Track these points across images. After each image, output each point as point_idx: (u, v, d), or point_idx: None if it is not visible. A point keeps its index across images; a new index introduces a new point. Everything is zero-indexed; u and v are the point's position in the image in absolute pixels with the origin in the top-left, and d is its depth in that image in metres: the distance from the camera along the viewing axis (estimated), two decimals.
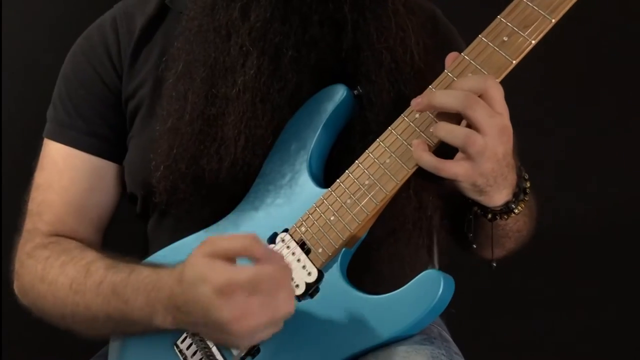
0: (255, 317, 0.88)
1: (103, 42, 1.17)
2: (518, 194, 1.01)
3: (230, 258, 0.90)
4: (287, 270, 0.92)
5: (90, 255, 1.09)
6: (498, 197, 0.99)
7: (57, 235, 1.16)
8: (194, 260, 0.92)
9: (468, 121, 0.92)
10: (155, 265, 1.03)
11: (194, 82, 1.06)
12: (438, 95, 0.94)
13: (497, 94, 0.92)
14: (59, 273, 1.09)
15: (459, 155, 0.94)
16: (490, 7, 0.97)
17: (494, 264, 1.08)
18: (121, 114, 1.16)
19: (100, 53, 1.17)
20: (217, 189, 1.05)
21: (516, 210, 1.02)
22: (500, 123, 0.92)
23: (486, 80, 0.92)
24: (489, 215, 1.03)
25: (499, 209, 1.01)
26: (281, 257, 0.93)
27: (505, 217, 1.02)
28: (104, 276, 1.04)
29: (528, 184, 1.03)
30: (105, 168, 1.18)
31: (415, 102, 0.96)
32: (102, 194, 1.19)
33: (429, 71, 1.03)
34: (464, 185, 0.96)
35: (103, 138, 1.17)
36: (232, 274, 0.88)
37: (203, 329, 0.94)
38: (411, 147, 0.96)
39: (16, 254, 1.17)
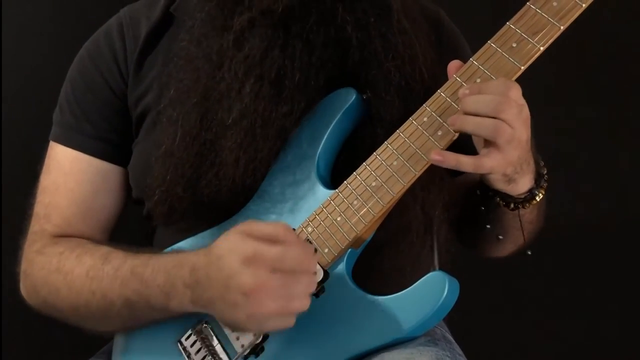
0: (272, 294, 0.90)
1: (110, 47, 1.18)
2: (538, 179, 1.03)
3: (263, 240, 0.92)
4: (314, 256, 0.94)
5: (106, 247, 1.10)
6: (523, 183, 1.00)
7: (66, 235, 1.17)
8: (227, 235, 0.95)
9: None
10: (178, 250, 1.05)
11: (184, 107, 1.06)
12: (470, 102, 0.94)
13: (519, 93, 0.93)
14: (76, 264, 1.09)
15: (485, 149, 0.94)
16: (498, 12, 0.99)
17: (529, 252, 1.09)
18: (127, 119, 1.17)
19: (107, 58, 1.17)
20: (217, 208, 1.06)
21: (538, 197, 1.03)
22: (525, 114, 0.94)
23: (509, 88, 0.92)
24: (512, 205, 1.03)
25: (522, 197, 1.02)
26: (311, 247, 0.95)
27: (528, 204, 1.03)
28: (123, 261, 1.05)
29: (545, 170, 1.04)
30: (111, 171, 1.19)
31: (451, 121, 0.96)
32: (108, 197, 1.20)
33: (437, 86, 1.04)
34: (494, 177, 0.98)
35: (109, 142, 1.18)
36: (261, 247, 0.91)
37: (218, 304, 0.94)
38: (419, 150, 0.97)
39: (23, 254, 1.17)
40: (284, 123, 1.04)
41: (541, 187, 1.03)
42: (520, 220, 1.06)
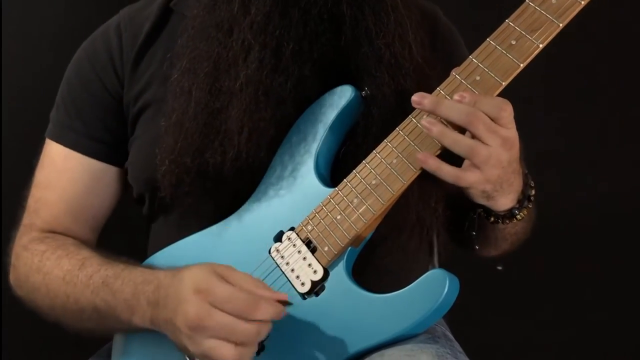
0: (210, 331, 0.92)
1: (106, 47, 1.18)
2: (522, 200, 1.03)
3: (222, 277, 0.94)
4: (264, 306, 0.92)
5: (86, 251, 1.12)
6: (503, 201, 1.01)
7: (53, 232, 1.19)
8: (200, 265, 0.96)
9: (471, 134, 0.93)
10: (151, 266, 1.06)
11: (197, 77, 1.07)
12: (444, 105, 0.94)
13: (508, 115, 0.93)
14: (55, 265, 1.11)
15: (466, 163, 0.95)
16: (497, 10, 0.99)
17: (500, 267, 1.10)
18: (120, 119, 1.17)
19: (103, 58, 1.18)
20: (221, 183, 1.06)
21: (519, 217, 1.04)
22: (503, 134, 0.93)
23: (501, 109, 0.93)
24: (492, 219, 1.05)
25: (502, 213, 1.03)
26: (266, 295, 0.94)
27: (508, 221, 1.04)
28: (97, 270, 1.07)
29: (533, 192, 1.05)
30: (103, 170, 1.19)
31: (418, 100, 0.96)
32: (99, 196, 1.21)
33: (427, 65, 1.05)
34: (473, 192, 0.99)
35: (101, 141, 1.18)
36: (214, 282, 0.93)
37: (170, 326, 0.96)
38: (419, 147, 0.97)
39: (13, 246, 1.19)
40: (281, 93, 1.05)
41: (524, 208, 1.04)
42: (500, 232, 1.08)
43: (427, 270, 0.97)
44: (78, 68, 1.21)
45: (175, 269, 0.99)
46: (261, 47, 1.03)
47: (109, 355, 1.18)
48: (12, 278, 1.19)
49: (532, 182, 1.05)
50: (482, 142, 0.92)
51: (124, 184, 1.22)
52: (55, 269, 1.11)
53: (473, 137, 0.94)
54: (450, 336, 1.15)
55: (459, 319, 1.14)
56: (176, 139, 1.06)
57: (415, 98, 0.96)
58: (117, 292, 1.02)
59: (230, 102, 1.04)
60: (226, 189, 1.07)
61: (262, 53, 1.03)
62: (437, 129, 0.95)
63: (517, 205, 1.03)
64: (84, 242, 1.18)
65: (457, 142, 0.94)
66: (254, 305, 0.92)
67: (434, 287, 0.95)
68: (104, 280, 1.05)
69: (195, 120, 1.06)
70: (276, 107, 1.05)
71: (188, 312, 0.92)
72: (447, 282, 0.94)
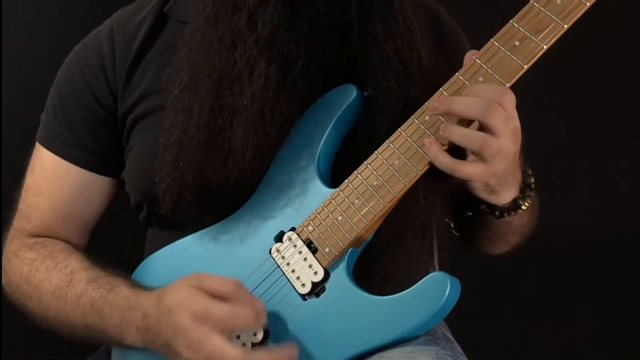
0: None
1: (98, 54, 1.16)
2: (524, 190, 1.03)
3: (213, 295, 0.95)
4: (263, 314, 0.96)
5: (74, 262, 1.12)
6: (507, 194, 1.01)
7: (43, 236, 1.19)
8: (177, 287, 0.97)
9: (485, 127, 0.92)
10: (135, 285, 1.06)
11: (199, 93, 1.04)
12: (458, 102, 0.93)
13: (511, 103, 0.93)
14: (44, 278, 1.12)
15: (471, 156, 0.94)
16: (501, 10, 0.99)
17: None
18: (112, 130, 1.16)
19: (94, 65, 1.15)
20: (223, 198, 1.05)
21: (523, 207, 1.03)
22: (514, 126, 0.93)
23: (504, 94, 0.92)
24: (497, 213, 1.04)
25: (507, 206, 1.03)
26: (261, 305, 0.97)
27: (513, 213, 1.03)
28: (84, 290, 1.07)
29: (532, 180, 1.04)
30: (92, 180, 1.19)
31: (433, 106, 0.95)
32: (88, 204, 1.21)
33: (435, 71, 1.04)
34: (476, 185, 0.98)
35: (90, 151, 1.17)
36: (212, 305, 0.94)
37: (170, 354, 0.97)
38: (421, 149, 0.97)
39: (3, 248, 1.20)
40: (288, 109, 1.03)
41: (527, 197, 1.03)
42: (508, 226, 1.07)
43: (428, 272, 0.97)
44: (68, 74, 1.19)
45: (154, 294, 1.00)
46: (267, 63, 1.01)
47: (109, 355, 1.18)
48: (4, 282, 1.19)
49: (530, 170, 1.05)
50: (494, 135, 0.91)
51: (117, 190, 1.22)
52: (44, 282, 1.11)
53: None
54: (451, 337, 1.14)
55: (460, 320, 1.13)
56: (177, 157, 1.05)
57: (429, 108, 0.96)
58: (106, 318, 1.03)
59: (234, 119, 1.02)
60: (228, 201, 1.07)
61: (269, 69, 1.01)
62: (446, 128, 0.94)
63: (520, 196, 1.02)
64: (74, 246, 1.19)
65: (468, 136, 0.93)
66: (256, 315, 0.95)
67: (436, 290, 0.94)
68: (92, 303, 1.05)
69: (197, 138, 1.03)
70: (282, 124, 1.04)
71: (191, 340, 0.93)
72: (449, 284, 0.94)
